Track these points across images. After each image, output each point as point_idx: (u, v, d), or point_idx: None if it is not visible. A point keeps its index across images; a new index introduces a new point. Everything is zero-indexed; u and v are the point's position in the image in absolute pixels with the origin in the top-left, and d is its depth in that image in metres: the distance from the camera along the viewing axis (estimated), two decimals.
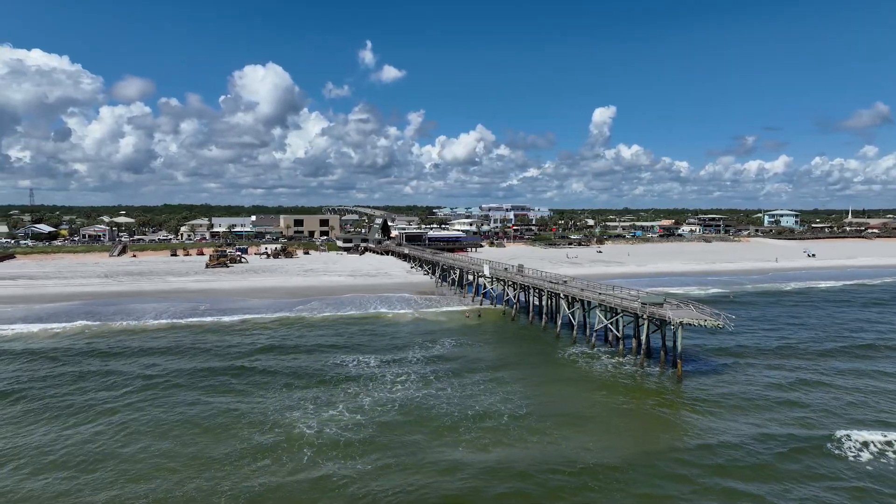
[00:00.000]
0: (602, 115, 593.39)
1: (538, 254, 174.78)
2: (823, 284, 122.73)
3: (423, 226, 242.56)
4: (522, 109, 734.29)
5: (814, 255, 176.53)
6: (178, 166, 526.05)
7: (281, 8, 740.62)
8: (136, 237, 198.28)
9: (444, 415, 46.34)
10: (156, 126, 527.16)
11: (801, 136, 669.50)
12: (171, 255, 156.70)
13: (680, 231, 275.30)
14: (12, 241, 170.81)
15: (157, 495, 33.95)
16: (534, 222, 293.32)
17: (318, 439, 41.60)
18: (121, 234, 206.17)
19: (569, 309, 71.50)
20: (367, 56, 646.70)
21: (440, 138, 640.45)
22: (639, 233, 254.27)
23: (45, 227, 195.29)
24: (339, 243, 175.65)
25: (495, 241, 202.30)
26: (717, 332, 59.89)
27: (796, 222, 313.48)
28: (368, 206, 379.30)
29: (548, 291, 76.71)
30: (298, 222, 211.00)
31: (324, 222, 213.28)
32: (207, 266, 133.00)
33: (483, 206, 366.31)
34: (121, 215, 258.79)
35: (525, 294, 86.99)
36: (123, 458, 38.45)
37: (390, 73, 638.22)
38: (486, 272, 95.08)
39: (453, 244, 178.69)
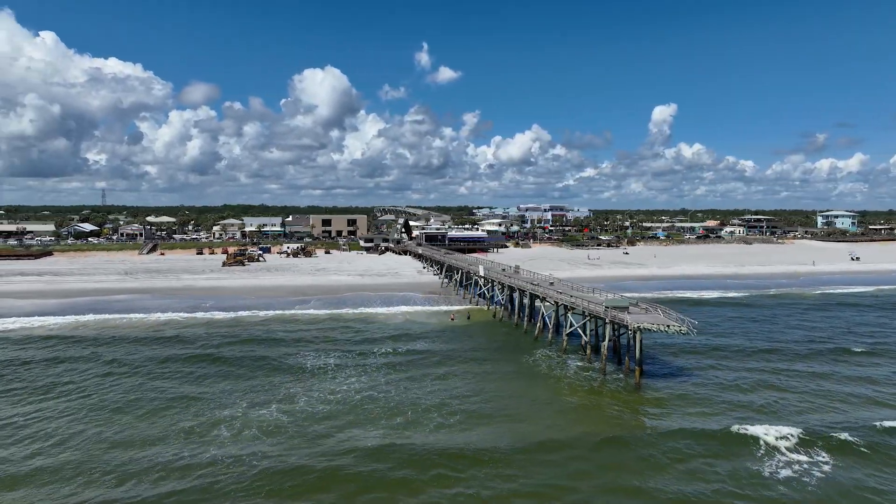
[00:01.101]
0: (662, 113, 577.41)
1: (560, 255, 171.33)
2: (856, 289, 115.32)
3: (455, 226, 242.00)
4: (579, 108, 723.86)
5: (858, 259, 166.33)
6: (240, 168, 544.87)
7: (339, 12, 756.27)
8: (175, 236, 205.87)
9: (372, 407, 47.65)
10: (220, 129, 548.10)
11: (877, 132, 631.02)
12: (197, 254, 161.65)
13: (723, 232, 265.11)
14: (53, 239, 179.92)
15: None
16: (571, 223, 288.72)
17: (239, 425, 43.41)
18: (159, 232, 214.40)
19: (545, 311, 69.40)
20: (423, 58, 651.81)
21: (495, 138, 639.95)
22: (661, 234, 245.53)
23: (87, 226, 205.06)
24: (362, 243, 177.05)
25: (521, 242, 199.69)
26: (680, 336, 57.02)
27: (853, 224, 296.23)
28: (419, 207, 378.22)
29: (529, 293, 74.72)
30: (326, 222, 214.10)
31: (351, 222, 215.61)
32: (224, 264, 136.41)
33: (521, 206, 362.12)
34: (163, 215, 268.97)
35: (512, 295, 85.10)
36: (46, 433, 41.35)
37: (446, 74, 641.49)
38: (481, 272, 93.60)
39: (474, 244, 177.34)
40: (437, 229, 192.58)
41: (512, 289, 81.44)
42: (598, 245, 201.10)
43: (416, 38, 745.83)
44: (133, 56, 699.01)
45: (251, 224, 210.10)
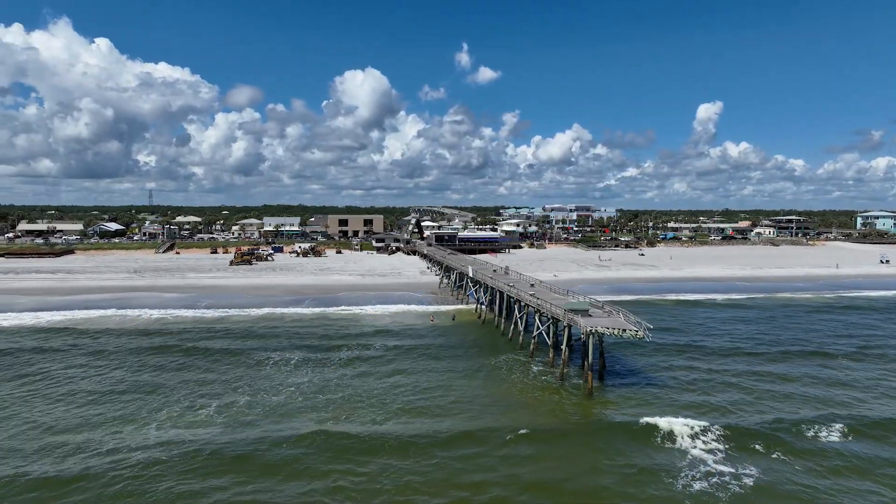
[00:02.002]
0: (707, 111, 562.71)
1: (572, 256, 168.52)
2: (873, 293, 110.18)
3: (477, 226, 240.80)
4: (620, 107, 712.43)
5: (887, 262, 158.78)
6: (283, 169, 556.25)
7: (380, 14, 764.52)
8: (200, 235, 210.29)
9: (311, 401, 49.63)
10: (264, 131, 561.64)
11: None
12: (211, 253, 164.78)
13: (752, 233, 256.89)
14: (79, 238, 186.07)
15: None
16: (596, 223, 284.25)
17: (176, 413, 45.68)
18: (183, 232, 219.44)
19: (518, 313, 68.08)
20: (463, 58, 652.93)
21: (535, 138, 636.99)
22: (668, 234, 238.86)
23: (112, 226, 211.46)
24: (374, 243, 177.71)
25: (536, 243, 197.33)
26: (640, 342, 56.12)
27: (895, 225, 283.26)
28: (455, 207, 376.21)
29: (506, 295, 73.49)
30: (343, 222, 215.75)
31: (367, 222, 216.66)
32: (231, 263, 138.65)
33: (546, 206, 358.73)
34: (190, 214, 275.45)
35: (494, 297, 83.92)
36: None
37: (486, 74, 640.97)
38: (470, 273, 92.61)
39: (485, 245, 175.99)
40: (450, 230, 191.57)
41: (493, 290, 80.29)
42: (616, 246, 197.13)
43: (456, 38, 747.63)
44: (181, 60, 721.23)
45: (270, 224, 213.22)
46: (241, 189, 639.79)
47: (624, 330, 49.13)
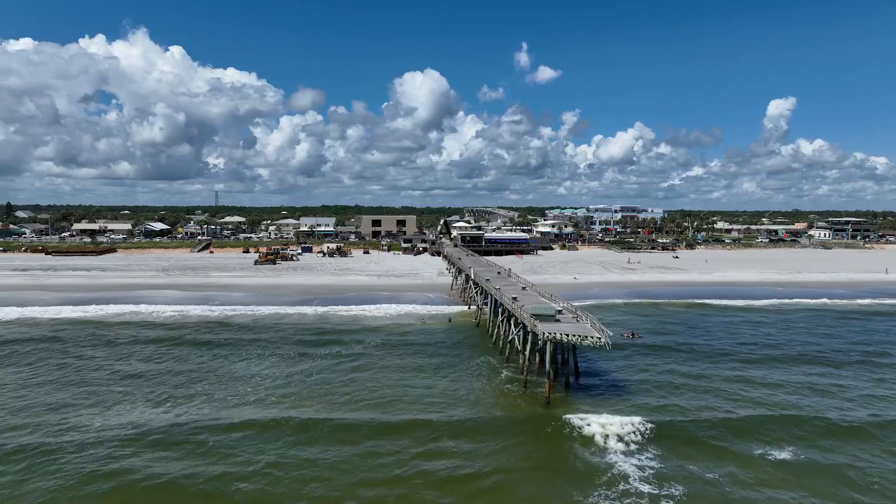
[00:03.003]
0: (778, 107, 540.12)
1: (601, 258, 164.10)
2: None
3: (515, 227, 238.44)
4: (685, 105, 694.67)
5: None
6: (344, 170, 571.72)
7: (439, 16, 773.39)
8: (241, 235, 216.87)
9: (267, 390, 52.65)
10: (326, 133, 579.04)
11: None
12: (243, 252, 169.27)
13: (805, 236, 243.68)
14: (125, 237, 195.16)
15: None
16: (642, 224, 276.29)
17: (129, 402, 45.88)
18: (224, 231, 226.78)
19: (500, 317, 66.56)
20: (523, 58, 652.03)
21: (596, 137, 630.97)
22: (699, 236, 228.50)
23: (157, 226, 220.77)
24: (402, 244, 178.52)
25: (567, 245, 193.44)
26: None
27: None
28: (510, 208, 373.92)
29: (493, 298, 72.03)
30: (376, 223, 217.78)
31: (400, 223, 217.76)
32: (256, 262, 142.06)
33: (591, 206, 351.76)
34: (235, 214, 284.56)
35: (486, 299, 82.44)
36: None
37: (545, 73, 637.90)
38: (472, 275, 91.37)
39: (511, 246, 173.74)
40: (475, 231, 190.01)
41: (486, 293, 78.92)
42: (653, 248, 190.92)
43: (515, 38, 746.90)
44: (248, 65, 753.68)
45: (305, 224, 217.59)
46: (304, 190, 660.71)
47: (585, 337, 47.12)
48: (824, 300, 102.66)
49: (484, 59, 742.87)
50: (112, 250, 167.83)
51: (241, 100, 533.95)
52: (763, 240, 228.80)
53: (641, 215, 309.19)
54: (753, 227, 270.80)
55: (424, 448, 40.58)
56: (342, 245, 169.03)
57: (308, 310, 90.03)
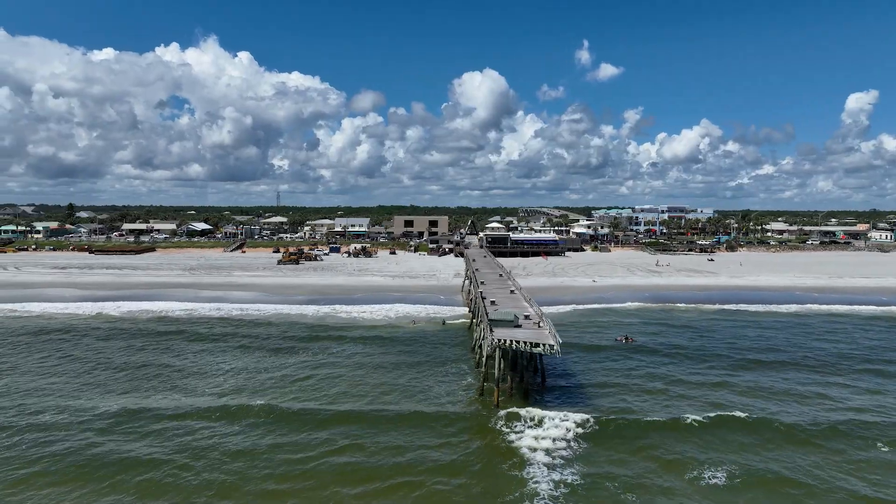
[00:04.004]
0: (858, 101, 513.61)
1: (630, 260, 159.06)
2: None
3: (553, 227, 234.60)
4: (754, 101, 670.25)
5: None
6: (403, 170, 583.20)
7: (498, 16, 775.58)
8: (284, 234, 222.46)
9: (219, 381, 55.53)
10: (385, 134, 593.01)
11: None
12: (274, 252, 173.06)
13: (865, 237, 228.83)
14: (167, 237, 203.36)
15: None
16: (690, 224, 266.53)
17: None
18: (264, 231, 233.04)
19: (477, 322, 65.13)
20: (584, 55, 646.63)
21: (660, 135, 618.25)
22: (721, 238, 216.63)
23: (199, 226, 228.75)
24: (429, 244, 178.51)
25: (599, 246, 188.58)
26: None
27: None
28: (567, 209, 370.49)
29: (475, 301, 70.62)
30: (408, 223, 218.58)
31: (433, 223, 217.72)
32: (279, 262, 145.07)
33: (636, 206, 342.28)
34: (278, 215, 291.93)
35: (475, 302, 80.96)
36: None
37: (607, 70, 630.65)
38: (473, 276, 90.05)
39: (537, 247, 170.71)
40: (502, 232, 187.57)
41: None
42: (690, 250, 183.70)
43: (576, 36, 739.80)
44: (312, 69, 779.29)
45: (339, 225, 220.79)
46: (364, 190, 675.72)
47: (536, 344, 45.40)
48: (856, 307, 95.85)
49: (544, 58, 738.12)
50: (151, 249, 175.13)
51: (305, 103, 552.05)
52: (814, 241, 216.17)
53: (689, 216, 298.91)
54: (808, 227, 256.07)
55: (345, 442, 41.44)
56: (367, 245, 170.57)
57: (311, 309, 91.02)
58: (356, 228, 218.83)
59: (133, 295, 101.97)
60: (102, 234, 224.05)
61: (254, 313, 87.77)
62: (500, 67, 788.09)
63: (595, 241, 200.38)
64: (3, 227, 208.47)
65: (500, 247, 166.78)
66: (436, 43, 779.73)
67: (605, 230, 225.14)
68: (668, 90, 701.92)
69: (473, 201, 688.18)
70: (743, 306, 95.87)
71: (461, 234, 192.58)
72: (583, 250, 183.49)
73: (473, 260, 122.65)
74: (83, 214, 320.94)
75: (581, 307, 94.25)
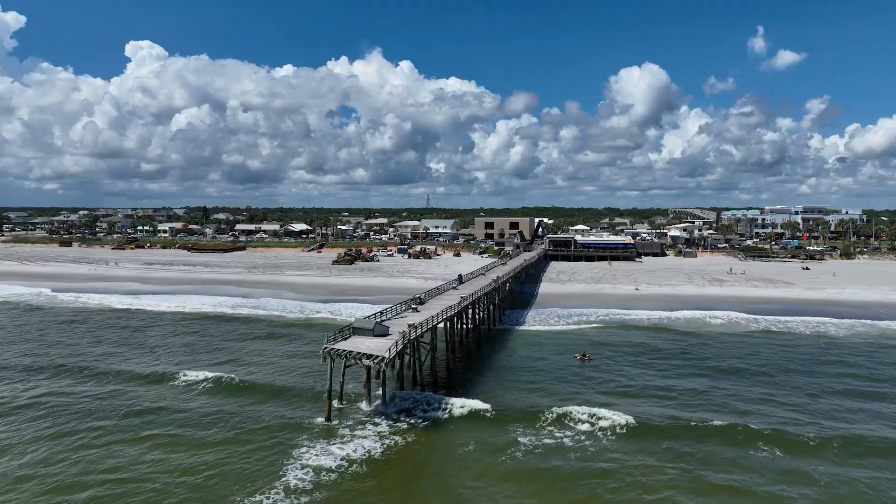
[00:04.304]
0: None
1: (703, 267, 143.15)
2: None
3: (652, 230, 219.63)
4: None
5: None
6: (557, 171, 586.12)
7: (658, 8, 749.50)
8: (383, 235, 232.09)
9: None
10: (539, 135, 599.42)
11: None
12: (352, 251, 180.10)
13: None
14: (267, 237, 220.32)
15: None
16: (833, 227, 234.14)
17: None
18: (357, 231, 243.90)
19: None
20: (758, 43, 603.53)
21: (850, 127, 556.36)
22: (792, 243, 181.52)
23: (297, 226, 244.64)
24: (494, 247, 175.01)
25: (685, 251, 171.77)
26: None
27: None
28: (718, 209, 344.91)
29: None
30: (489, 225, 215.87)
31: (514, 225, 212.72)
32: (334, 263, 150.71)
33: (767, 207, 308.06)
34: (463, 215, 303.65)
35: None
36: None
37: (786, 58, 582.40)
38: (464, 276, 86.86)
39: (604, 251, 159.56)
40: (565, 235, 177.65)
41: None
42: (794, 257, 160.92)
43: (749, 23, 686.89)
44: (468, 74, 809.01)
45: (423, 227, 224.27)
46: (518, 192, 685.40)
47: (365, 356, 42.77)
48: None
49: (711, 48, 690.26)
50: (241, 248, 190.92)
51: (462, 107, 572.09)
52: None
53: (830, 217, 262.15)
54: None
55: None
56: (427, 247, 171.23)
57: (312, 306, 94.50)
58: (439, 230, 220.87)
59: (180, 290, 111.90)
60: (223, 234, 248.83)
61: (243, 311, 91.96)
62: (660, 61, 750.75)
63: (691, 245, 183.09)
64: (138, 227, 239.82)
65: (564, 250, 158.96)
66: (590, 41, 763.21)
67: (706, 233, 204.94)
68: (860, 75, 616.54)
69: (632, 202, 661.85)
70: (787, 318, 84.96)
71: (521, 236, 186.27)
72: (664, 255, 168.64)
73: (503, 262, 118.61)
74: (221, 216, 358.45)
75: (594, 318, 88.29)
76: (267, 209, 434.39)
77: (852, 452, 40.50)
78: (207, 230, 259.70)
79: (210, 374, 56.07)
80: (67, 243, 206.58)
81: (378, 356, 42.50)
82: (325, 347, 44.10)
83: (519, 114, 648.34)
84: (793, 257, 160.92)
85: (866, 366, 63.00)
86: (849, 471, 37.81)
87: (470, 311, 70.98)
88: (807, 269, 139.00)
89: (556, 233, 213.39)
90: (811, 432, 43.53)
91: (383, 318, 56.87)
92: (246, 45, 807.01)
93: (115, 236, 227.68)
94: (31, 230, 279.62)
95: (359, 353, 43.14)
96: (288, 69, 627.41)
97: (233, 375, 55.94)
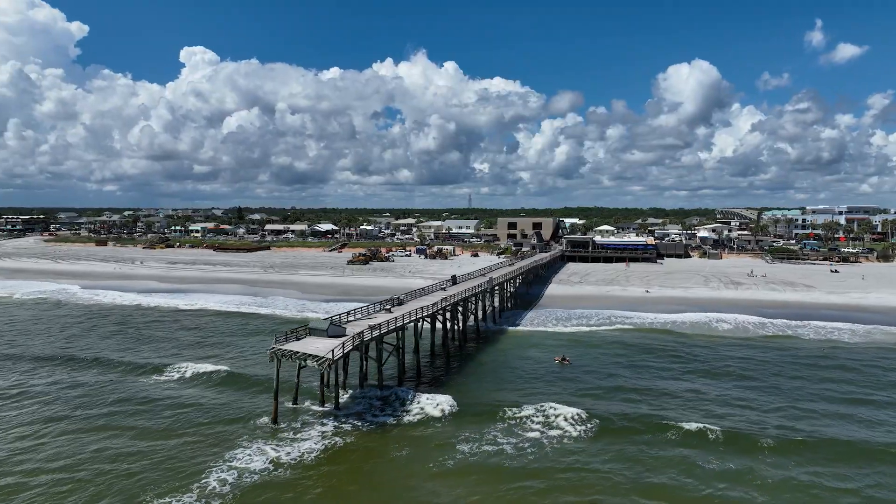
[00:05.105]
0: None
1: (724, 269, 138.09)
2: None
3: (682, 230, 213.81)
4: None
5: None
6: (603, 171, 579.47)
7: (710, 4, 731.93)
8: (399, 236, 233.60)
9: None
10: (584, 134, 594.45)
11: None
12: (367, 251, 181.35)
13: None
14: (293, 237, 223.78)
15: None
16: (878, 227, 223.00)
17: None
18: (384, 231, 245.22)
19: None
20: (816, 37, 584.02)
21: None
22: (811, 243, 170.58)
23: (324, 227, 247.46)
24: (512, 247, 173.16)
25: (710, 252, 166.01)
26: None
27: None
28: (799, 208, 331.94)
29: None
30: (512, 225, 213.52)
31: (536, 225, 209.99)
32: (349, 263, 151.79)
33: (808, 207, 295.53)
34: (406, 216, 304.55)
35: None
36: None
37: (846, 51, 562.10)
38: (458, 275, 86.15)
39: (623, 252, 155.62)
40: (582, 236, 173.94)
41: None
42: (825, 259, 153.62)
43: (806, 16, 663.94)
44: (513, 74, 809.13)
45: (446, 227, 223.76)
46: (563, 192, 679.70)
47: (309, 356, 42.67)
48: None
49: (765, 43, 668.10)
50: (265, 248, 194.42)
51: (506, 107, 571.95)
52: None
53: (876, 217, 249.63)
54: None
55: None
56: (444, 248, 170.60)
57: (313, 306, 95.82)
58: (462, 231, 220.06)
59: (187, 289, 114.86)
60: (253, 234, 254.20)
61: (245, 309, 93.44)
62: (711, 57, 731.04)
63: (719, 246, 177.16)
64: (173, 227, 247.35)
65: (581, 251, 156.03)
66: (638, 38, 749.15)
67: (735, 234, 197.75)
68: None
69: (680, 202, 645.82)
70: (796, 323, 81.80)
71: (535, 235, 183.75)
72: (688, 256, 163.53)
73: (511, 263, 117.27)
74: (256, 216, 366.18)
75: (594, 320, 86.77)
76: (311, 210, 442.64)
77: (809, 458, 39.48)
78: (240, 230, 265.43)
79: (187, 367, 57.83)
80: (103, 243, 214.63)
81: (322, 357, 42.29)
82: (272, 347, 44.17)
83: (564, 113, 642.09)
84: (824, 259, 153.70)
85: (863, 372, 60.07)
86: (798, 474, 36.98)
87: (450, 312, 70.16)
88: (835, 271, 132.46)
89: (584, 234, 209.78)
90: (772, 436, 42.58)
91: (353, 318, 56.84)
92: (294, 49, 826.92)
93: (148, 236, 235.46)
94: (75, 230, 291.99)
95: (304, 353, 43.04)
96: (334, 72, 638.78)
97: (218, 368, 57.59)
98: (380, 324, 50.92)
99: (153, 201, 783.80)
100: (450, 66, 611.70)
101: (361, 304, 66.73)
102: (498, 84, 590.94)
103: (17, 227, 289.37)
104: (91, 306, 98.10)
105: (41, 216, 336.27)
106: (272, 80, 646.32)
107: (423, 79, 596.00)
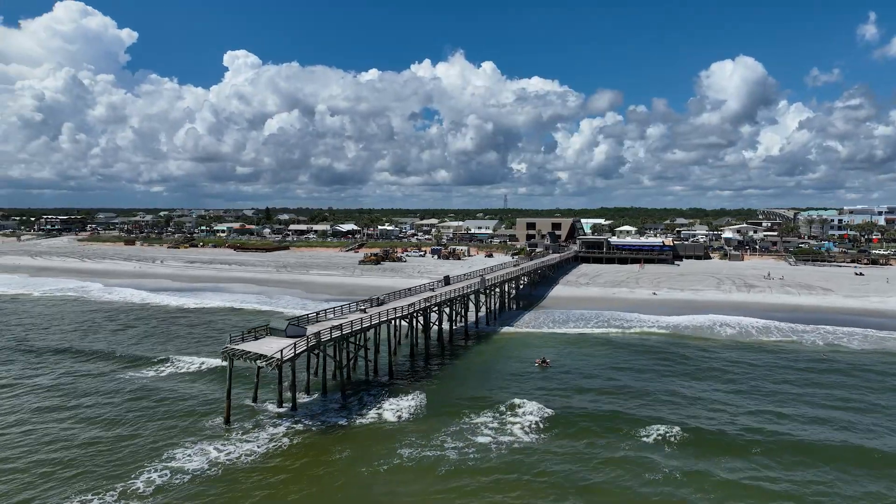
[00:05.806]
0: None
1: (741, 271, 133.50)
2: None
3: (709, 230, 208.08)
4: None
5: None
6: (643, 170, 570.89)
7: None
8: (420, 236, 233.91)
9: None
10: (624, 133, 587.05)
11: None
12: (380, 252, 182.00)
13: None
14: (313, 236, 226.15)
15: None
16: None
17: None
18: (403, 230, 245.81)
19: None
20: (869, 30, 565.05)
21: None
22: (830, 245, 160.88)
23: (345, 227, 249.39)
24: (527, 248, 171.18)
25: (731, 253, 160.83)
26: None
27: None
28: (856, 209, 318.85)
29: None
30: (531, 226, 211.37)
31: (556, 225, 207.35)
32: (360, 263, 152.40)
33: (846, 207, 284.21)
34: (429, 217, 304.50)
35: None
36: None
37: None
38: (451, 274, 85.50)
39: (637, 253, 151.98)
40: (597, 237, 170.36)
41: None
42: (853, 261, 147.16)
43: (859, 8, 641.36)
44: (551, 73, 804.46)
45: (466, 227, 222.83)
46: (602, 192, 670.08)
47: (260, 356, 42.69)
48: None
49: (814, 38, 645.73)
50: (284, 248, 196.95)
51: (544, 106, 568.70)
52: None
53: None
54: None
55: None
56: (457, 248, 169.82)
57: (314, 305, 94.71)
58: (482, 231, 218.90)
59: (197, 288, 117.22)
60: (278, 234, 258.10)
61: (247, 307, 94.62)
62: (756, 53, 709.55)
63: (741, 248, 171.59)
64: (200, 227, 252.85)
65: (595, 252, 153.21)
66: (679, 35, 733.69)
67: (760, 235, 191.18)
68: None
69: (724, 202, 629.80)
70: (804, 327, 79.31)
71: (550, 236, 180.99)
72: (707, 257, 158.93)
73: (516, 264, 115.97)
74: (284, 216, 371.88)
75: (592, 322, 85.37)
76: (349, 210, 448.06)
77: (763, 462, 38.22)
78: (265, 230, 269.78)
79: (167, 359, 59.26)
80: (131, 242, 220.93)
81: (270, 357, 42.24)
82: (225, 347, 44.35)
83: (603, 112, 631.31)
84: (852, 261, 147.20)
85: (858, 377, 57.11)
86: (747, 476, 35.98)
87: (436, 312, 69.53)
88: (860, 274, 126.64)
89: (612, 235, 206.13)
90: (735, 438, 41.66)
91: (324, 318, 56.79)
92: (333, 52, 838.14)
93: (175, 236, 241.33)
94: (110, 229, 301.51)
95: (255, 353, 43.07)
96: (373, 73, 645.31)
97: (200, 364, 58.98)
98: (342, 324, 50.64)
99: (198, 202, 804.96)
100: (487, 66, 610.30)
101: (339, 304, 66.59)
102: (536, 84, 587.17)
103: (56, 227, 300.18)
104: (102, 304, 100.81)
105: (78, 216, 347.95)
106: (312, 83, 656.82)
107: (461, 79, 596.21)
